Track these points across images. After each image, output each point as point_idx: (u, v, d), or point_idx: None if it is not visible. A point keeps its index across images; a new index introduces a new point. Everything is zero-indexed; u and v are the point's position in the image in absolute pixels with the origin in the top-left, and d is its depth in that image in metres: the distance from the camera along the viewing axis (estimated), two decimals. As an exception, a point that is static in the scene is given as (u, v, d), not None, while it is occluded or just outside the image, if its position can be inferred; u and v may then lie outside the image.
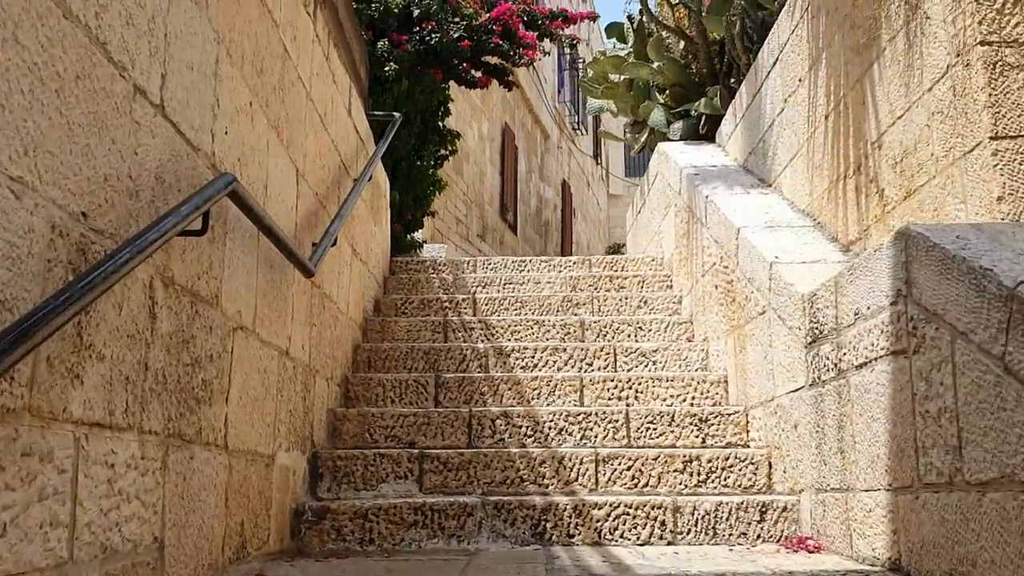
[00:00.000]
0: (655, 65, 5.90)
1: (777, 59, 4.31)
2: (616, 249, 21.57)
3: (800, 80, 4.00)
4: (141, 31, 1.82)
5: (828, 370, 2.75)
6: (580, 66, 19.07)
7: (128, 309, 1.76)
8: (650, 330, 4.62)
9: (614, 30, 6.46)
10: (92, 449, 1.60)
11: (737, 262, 3.84)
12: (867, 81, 3.24)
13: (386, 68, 7.40)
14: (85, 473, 1.57)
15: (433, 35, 7.57)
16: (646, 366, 4.28)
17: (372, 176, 4.82)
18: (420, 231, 9.01)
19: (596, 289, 5.27)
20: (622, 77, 6.35)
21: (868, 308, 2.42)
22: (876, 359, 2.37)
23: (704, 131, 5.65)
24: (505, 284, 5.27)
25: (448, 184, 10.70)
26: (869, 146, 3.24)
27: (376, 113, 5.91)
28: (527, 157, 15.45)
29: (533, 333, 4.58)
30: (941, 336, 1.99)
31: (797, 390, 3.08)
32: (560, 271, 5.60)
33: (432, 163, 8.78)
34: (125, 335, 1.75)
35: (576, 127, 18.99)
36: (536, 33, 8.18)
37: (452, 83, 8.34)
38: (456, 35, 7.73)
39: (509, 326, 4.61)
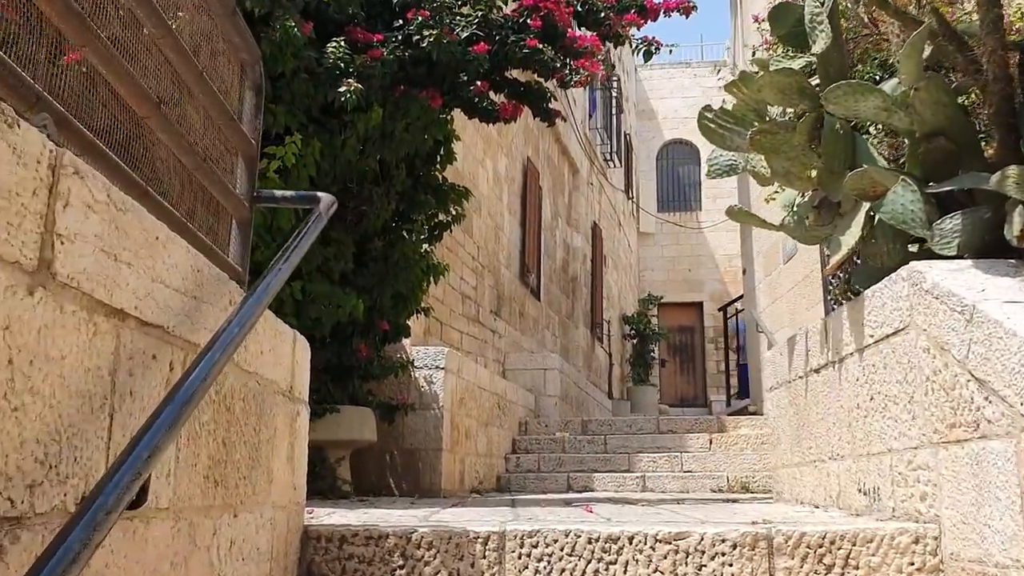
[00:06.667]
0: (894, 90, 2.73)
1: None
2: (653, 300, 18.33)
3: None
4: None
5: None
6: (615, 85, 15.93)
7: None
8: None
9: (785, 19, 3.25)
10: None
11: None
12: None
13: (342, 89, 4.24)
14: None
15: (427, 33, 4.41)
16: None
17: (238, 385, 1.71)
18: (407, 338, 5.84)
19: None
20: (796, 114, 3.17)
21: None
22: None
23: (1022, 238, 2.47)
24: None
25: (451, 253, 7.53)
26: None
27: (281, 194, 2.69)
28: (552, 199, 12.28)
29: None
30: None
31: None
32: None
33: (426, 236, 5.60)
34: None
35: (608, 158, 15.83)
36: (595, 32, 5.02)
37: (459, 112, 5.18)
38: (465, 34, 4.57)
39: None
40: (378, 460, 6.07)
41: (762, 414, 8.96)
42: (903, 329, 2.64)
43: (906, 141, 3.24)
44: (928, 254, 2.83)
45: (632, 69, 20.61)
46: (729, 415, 9.89)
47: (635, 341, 17.50)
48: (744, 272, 9.51)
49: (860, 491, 2.99)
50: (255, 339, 2.01)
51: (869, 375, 2.92)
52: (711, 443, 7.99)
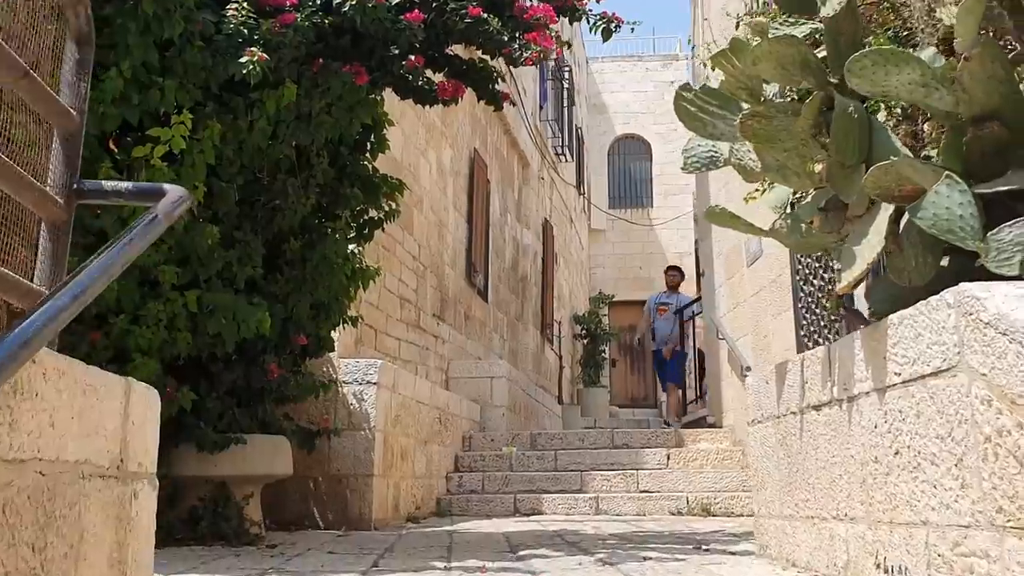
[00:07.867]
0: (933, 61, 2.13)
1: None
2: (604, 299, 17.78)
3: None
4: None
5: None
6: (567, 75, 15.33)
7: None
8: None
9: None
10: None
11: None
12: None
13: (243, 59, 3.53)
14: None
15: (349, -4, 3.72)
16: None
17: None
18: (333, 351, 5.13)
19: None
20: (798, 93, 2.56)
21: None
22: None
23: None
24: None
25: (388, 252, 6.82)
26: None
27: (112, 186, 1.92)
28: (501, 193, 11.62)
29: None
30: None
31: None
32: None
33: (354, 235, 4.89)
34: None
35: (560, 152, 15.21)
36: (552, 5, 4.36)
37: (399, 99, 4.48)
38: (396, 0, 3.89)
39: None
40: (300, 487, 5.34)
41: (721, 426, 8.44)
42: (947, 370, 2.04)
43: (925, 129, 2.66)
44: (965, 270, 2.25)
45: (584, 61, 20.02)
46: (684, 427, 9.36)
47: (586, 341, 16.93)
48: (702, 275, 8.96)
49: (879, 567, 2.39)
50: (36, 408, 1.31)
51: (894, 423, 2.32)
52: (668, 459, 7.42)
